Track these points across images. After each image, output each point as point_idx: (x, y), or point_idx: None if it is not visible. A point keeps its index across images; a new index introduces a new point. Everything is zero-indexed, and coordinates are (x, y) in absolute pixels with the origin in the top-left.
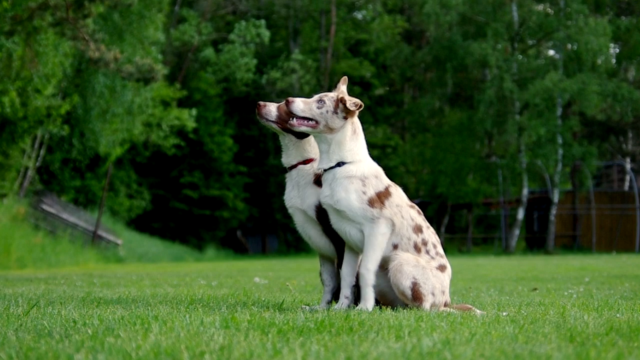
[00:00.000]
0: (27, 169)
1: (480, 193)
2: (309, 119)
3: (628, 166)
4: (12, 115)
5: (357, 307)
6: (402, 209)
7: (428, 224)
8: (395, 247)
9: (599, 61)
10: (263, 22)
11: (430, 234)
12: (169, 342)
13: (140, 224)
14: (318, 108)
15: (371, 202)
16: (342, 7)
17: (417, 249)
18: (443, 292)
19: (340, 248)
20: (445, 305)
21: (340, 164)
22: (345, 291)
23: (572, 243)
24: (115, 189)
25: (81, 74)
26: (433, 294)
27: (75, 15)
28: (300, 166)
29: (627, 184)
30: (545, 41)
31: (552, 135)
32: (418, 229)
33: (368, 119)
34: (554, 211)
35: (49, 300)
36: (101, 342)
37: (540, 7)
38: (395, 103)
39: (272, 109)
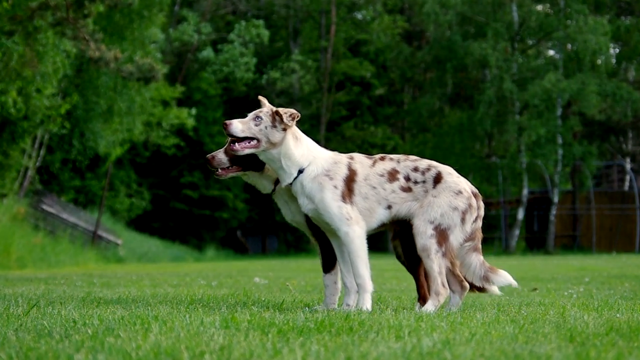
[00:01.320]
0: (27, 169)
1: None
2: (250, 139)
3: (628, 166)
4: (14, 115)
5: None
6: (370, 177)
7: (398, 157)
8: (389, 207)
9: (599, 61)
10: (262, 22)
11: (405, 165)
12: (169, 342)
13: (140, 224)
14: (256, 125)
15: (343, 197)
16: (342, 7)
17: (406, 190)
18: (459, 193)
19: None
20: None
21: (300, 171)
22: (351, 299)
23: (572, 243)
24: (115, 189)
25: (81, 73)
26: (455, 209)
27: (75, 15)
28: (278, 186)
29: (627, 184)
30: (545, 41)
31: (552, 136)
32: (393, 175)
33: (368, 119)
34: (554, 211)
35: (49, 300)
36: (101, 342)
37: (540, 7)
38: (395, 103)
39: (221, 157)
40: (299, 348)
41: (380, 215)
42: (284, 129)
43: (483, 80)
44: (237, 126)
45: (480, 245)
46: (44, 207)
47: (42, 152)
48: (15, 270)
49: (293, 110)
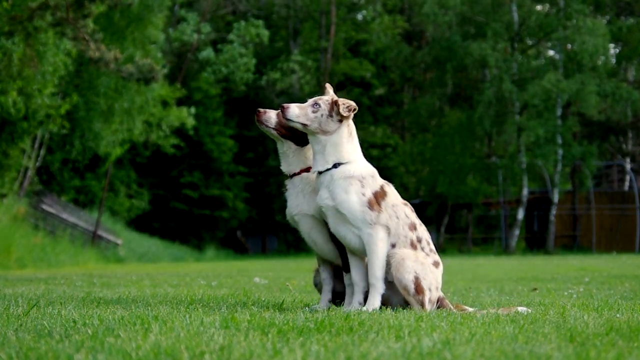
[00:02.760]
0: (27, 169)
1: (480, 193)
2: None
3: (628, 166)
4: (14, 115)
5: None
6: (398, 208)
7: (420, 222)
8: (393, 245)
9: (599, 62)
10: (261, 22)
11: (423, 231)
12: (169, 342)
13: (140, 224)
14: (313, 112)
15: (370, 204)
16: (342, 7)
17: (413, 246)
18: (437, 289)
19: (344, 253)
20: (439, 302)
21: (336, 165)
22: (359, 297)
23: (572, 243)
24: (115, 189)
25: (81, 73)
26: (430, 290)
27: (75, 15)
28: (304, 174)
29: (627, 184)
30: (544, 41)
31: (552, 136)
32: (413, 227)
33: (368, 119)
34: (554, 211)
35: (49, 300)
36: (101, 342)
37: (540, 7)
38: (395, 103)
39: (271, 115)
40: (299, 348)
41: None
42: (340, 120)
43: (483, 81)
44: (294, 111)
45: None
46: (44, 207)
47: (42, 152)
48: (15, 270)
49: (351, 102)
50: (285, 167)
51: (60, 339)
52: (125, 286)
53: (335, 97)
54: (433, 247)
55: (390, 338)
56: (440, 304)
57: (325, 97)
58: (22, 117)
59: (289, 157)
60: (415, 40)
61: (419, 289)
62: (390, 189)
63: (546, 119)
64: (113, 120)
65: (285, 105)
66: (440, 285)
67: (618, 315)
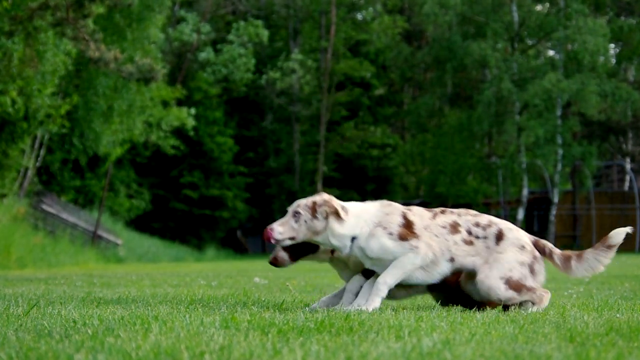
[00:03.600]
0: (27, 169)
1: (480, 193)
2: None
3: (628, 166)
4: (14, 115)
5: (360, 307)
6: (431, 227)
7: (458, 211)
8: (452, 260)
9: (599, 62)
10: (260, 22)
11: (466, 219)
12: (169, 342)
13: (140, 224)
14: (296, 222)
15: (403, 237)
16: (342, 7)
17: (468, 242)
18: (522, 247)
19: None
20: (536, 244)
21: (353, 239)
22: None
23: (572, 243)
24: (115, 189)
25: (81, 73)
26: (523, 264)
27: (75, 15)
28: (335, 254)
29: (627, 184)
30: (544, 41)
31: (552, 136)
32: (454, 227)
33: (368, 119)
34: (554, 211)
35: (49, 300)
36: (101, 342)
37: (540, 7)
38: (395, 103)
39: (283, 256)
40: (299, 348)
41: (444, 268)
42: (326, 217)
43: (482, 80)
44: (278, 229)
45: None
46: (44, 207)
47: (42, 152)
48: (15, 270)
49: (331, 200)
50: (319, 261)
51: (60, 339)
52: (125, 286)
53: (314, 198)
54: (484, 220)
55: (390, 338)
56: (537, 246)
57: (302, 202)
58: (22, 117)
59: (316, 258)
60: (415, 40)
61: (515, 287)
62: (414, 214)
63: (546, 119)
64: (113, 120)
65: (268, 228)
66: (522, 240)
67: (618, 315)
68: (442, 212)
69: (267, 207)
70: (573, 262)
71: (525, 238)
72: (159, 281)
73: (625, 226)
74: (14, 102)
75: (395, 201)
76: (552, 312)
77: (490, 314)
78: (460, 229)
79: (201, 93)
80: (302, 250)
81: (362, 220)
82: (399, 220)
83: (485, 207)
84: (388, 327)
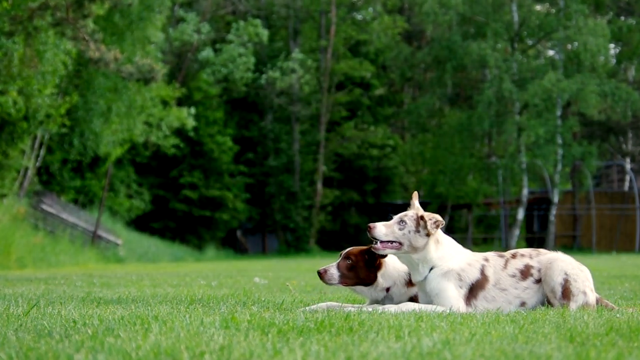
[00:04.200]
0: (27, 169)
1: (480, 193)
2: (392, 242)
3: (628, 166)
4: (14, 115)
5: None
6: (501, 281)
7: (529, 252)
8: (523, 304)
9: (599, 62)
10: (259, 21)
11: (537, 261)
12: (169, 342)
13: (140, 224)
14: (400, 229)
15: (465, 298)
16: (342, 7)
17: (539, 282)
18: (592, 290)
19: None
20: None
21: (431, 269)
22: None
23: (572, 243)
24: (115, 189)
25: (81, 73)
26: (585, 288)
27: (75, 15)
28: (390, 292)
29: (627, 184)
30: (544, 41)
31: (552, 136)
32: (527, 272)
33: (368, 119)
34: (554, 211)
35: (49, 300)
36: (101, 342)
37: (540, 7)
38: (395, 103)
39: (333, 272)
40: (299, 348)
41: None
42: (427, 235)
43: (482, 80)
44: (381, 230)
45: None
46: (44, 207)
47: (42, 152)
48: (15, 270)
49: (438, 217)
50: (371, 298)
51: (60, 339)
52: (125, 286)
53: (421, 212)
54: (536, 263)
55: (390, 338)
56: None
57: (410, 213)
58: (22, 117)
59: (368, 293)
60: (415, 40)
61: (566, 289)
62: (491, 267)
63: (546, 119)
64: (113, 120)
65: (372, 225)
66: (590, 290)
67: (618, 315)
68: (513, 256)
69: (267, 207)
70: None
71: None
72: (159, 281)
73: (625, 226)
74: (14, 102)
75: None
76: (552, 312)
77: (490, 314)
78: (532, 271)
79: (201, 93)
80: (357, 275)
81: (450, 256)
82: (476, 275)
83: (486, 207)
84: (388, 327)
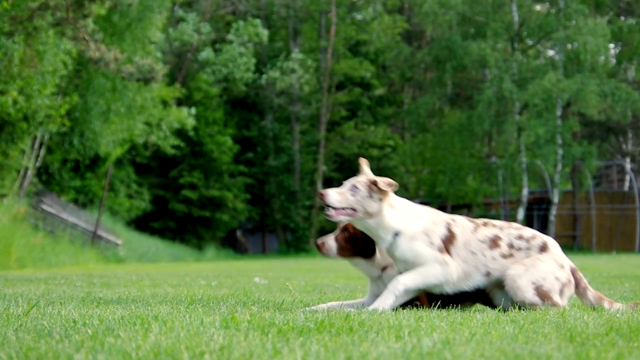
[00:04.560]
0: (26, 169)
1: (480, 193)
2: (346, 208)
3: (628, 166)
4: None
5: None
6: (470, 243)
7: (500, 224)
8: (488, 274)
9: (599, 62)
10: (259, 21)
11: (508, 232)
12: (169, 342)
13: (140, 224)
14: (352, 195)
15: (441, 250)
16: (342, 7)
17: (507, 257)
18: (562, 267)
19: None
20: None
21: (396, 234)
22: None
23: (572, 243)
24: (115, 189)
25: (81, 73)
26: (552, 287)
27: (75, 15)
28: (386, 272)
29: (627, 184)
30: (544, 41)
31: (552, 136)
32: (495, 242)
33: (368, 119)
34: (554, 211)
35: (49, 300)
36: (101, 342)
37: (540, 7)
38: (395, 103)
39: (331, 244)
40: (299, 348)
41: (477, 281)
42: (381, 199)
43: (482, 80)
44: (334, 196)
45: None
46: (44, 207)
47: (41, 152)
48: (15, 270)
49: (390, 180)
50: (368, 273)
51: (60, 339)
52: (125, 286)
53: (372, 176)
54: (528, 233)
55: (390, 338)
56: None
57: (361, 179)
58: (22, 118)
59: (366, 267)
60: (415, 40)
61: (544, 296)
62: (457, 224)
63: (546, 119)
64: (112, 120)
65: (323, 191)
66: (564, 264)
67: (618, 315)
68: (485, 224)
69: (267, 207)
70: (605, 304)
71: (567, 260)
72: (159, 281)
73: (625, 226)
74: (14, 102)
75: None
76: (552, 312)
77: (490, 314)
78: (500, 243)
79: (201, 93)
80: (355, 247)
81: (409, 219)
82: (443, 232)
83: (486, 207)
84: (388, 327)
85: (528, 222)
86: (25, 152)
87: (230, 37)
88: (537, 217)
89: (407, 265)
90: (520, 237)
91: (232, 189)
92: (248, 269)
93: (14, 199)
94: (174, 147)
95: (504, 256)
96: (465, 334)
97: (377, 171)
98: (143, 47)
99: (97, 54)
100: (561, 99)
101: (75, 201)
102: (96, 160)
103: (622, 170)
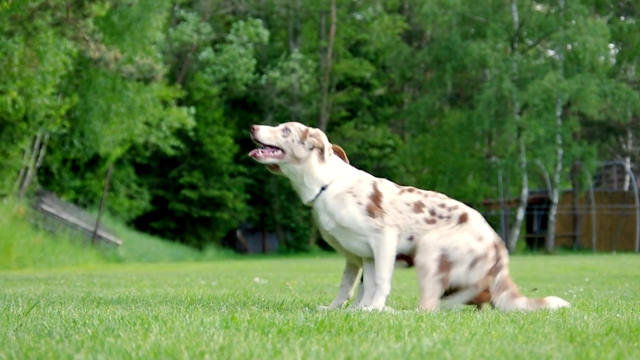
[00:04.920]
0: (26, 169)
1: (480, 193)
2: (275, 149)
3: (628, 166)
4: (14, 116)
5: (365, 308)
6: (396, 202)
7: (425, 192)
8: (410, 239)
9: (599, 62)
10: (260, 21)
11: (432, 200)
12: (169, 342)
13: (140, 224)
14: (283, 136)
15: (370, 211)
16: (342, 7)
17: (429, 222)
18: (480, 239)
19: None
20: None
21: (323, 188)
22: (366, 300)
23: (572, 243)
24: (115, 189)
25: (81, 73)
26: (471, 251)
27: (75, 15)
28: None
29: (627, 184)
30: (544, 41)
31: (552, 136)
32: (418, 207)
33: (368, 119)
34: (554, 211)
35: (49, 300)
36: (101, 342)
37: (540, 7)
38: (395, 103)
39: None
40: (299, 348)
41: (401, 245)
42: (311, 149)
43: (482, 80)
44: (265, 133)
45: (517, 290)
46: (44, 207)
47: (41, 152)
48: (15, 270)
49: (321, 136)
50: (303, 197)
51: (60, 339)
52: (125, 286)
53: (309, 128)
54: (451, 203)
55: (390, 338)
56: (496, 249)
57: (297, 124)
58: (22, 118)
59: (298, 185)
60: (415, 40)
61: (443, 266)
62: (383, 186)
63: (546, 119)
64: (112, 120)
65: (256, 126)
66: (485, 234)
67: (618, 315)
68: (410, 190)
69: (267, 207)
70: (502, 294)
71: (490, 234)
72: (159, 281)
73: (625, 226)
74: (13, 102)
75: None
76: (552, 312)
77: (490, 314)
78: (423, 209)
79: (201, 93)
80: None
81: (337, 175)
82: (369, 190)
83: (486, 207)
84: (388, 327)
85: (528, 222)
86: (25, 152)
87: (230, 37)
88: (537, 217)
89: (334, 222)
90: (442, 206)
91: (232, 189)
92: (248, 269)
93: (14, 199)
94: (173, 147)
95: (427, 221)
96: (465, 334)
97: (377, 171)
98: (143, 47)
99: (97, 54)
100: (561, 99)
101: (75, 201)
102: (96, 160)
103: (622, 170)
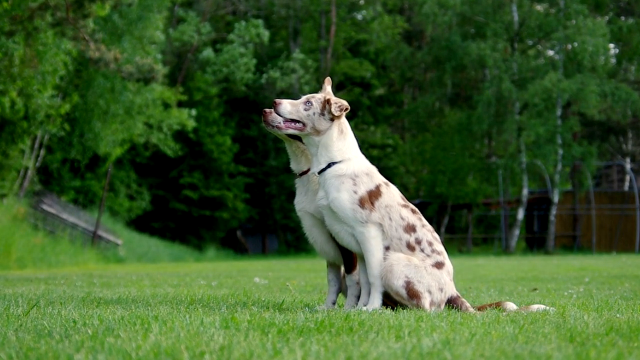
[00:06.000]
0: (26, 169)
1: (480, 193)
2: (296, 121)
3: (628, 166)
4: (13, 116)
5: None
6: (392, 209)
7: (424, 222)
8: (387, 248)
9: (599, 62)
10: (260, 22)
11: (425, 232)
12: (169, 342)
13: (140, 224)
14: (305, 110)
15: (362, 203)
16: (342, 7)
17: (410, 248)
18: (441, 290)
19: (346, 254)
20: (453, 302)
21: (330, 164)
22: (365, 298)
23: (572, 243)
24: (115, 189)
25: (81, 73)
26: (430, 292)
27: (75, 15)
28: (311, 173)
29: (627, 184)
30: (544, 41)
31: (552, 136)
32: (410, 229)
33: (368, 119)
34: (554, 211)
35: (49, 300)
36: (101, 342)
37: (540, 7)
38: (395, 103)
39: (277, 116)
40: (299, 348)
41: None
42: (332, 119)
43: (482, 80)
44: (286, 107)
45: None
46: (44, 207)
47: (41, 152)
48: (15, 270)
49: (343, 102)
50: (295, 166)
51: (60, 339)
52: (125, 286)
53: (329, 96)
54: (439, 247)
55: (390, 338)
56: (454, 304)
57: (317, 95)
58: (22, 118)
59: (297, 157)
60: (415, 40)
61: (412, 294)
62: (388, 190)
63: (546, 119)
64: (112, 120)
65: (278, 100)
66: (446, 286)
67: (618, 315)
68: (414, 210)
69: (267, 207)
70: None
71: (451, 291)
72: (159, 281)
73: (625, 226)
74: (12, 102)
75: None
76: (552, 312)
77: (490, 314)
78: (412, 233)
79: (201, 93)
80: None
81: (349, 157)
82: (371, 185)
83: (485, 207)
84: (388, 327)
85: (528, 222)
86: (25, 152)
87: (231, 37)
88: (537, 217)
89: (326, 201)
90: (430, 244)
91: (232, 188)
92: (248, 269)
93: (14, 199)
94: (172, 149)
95: (408, 245)
96: (465, 334)
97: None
98: (143, 47)
99: (97, 54)
100: (561, 99)
101: (75, 201)
102: (96, 161)
103: (622, 170)
